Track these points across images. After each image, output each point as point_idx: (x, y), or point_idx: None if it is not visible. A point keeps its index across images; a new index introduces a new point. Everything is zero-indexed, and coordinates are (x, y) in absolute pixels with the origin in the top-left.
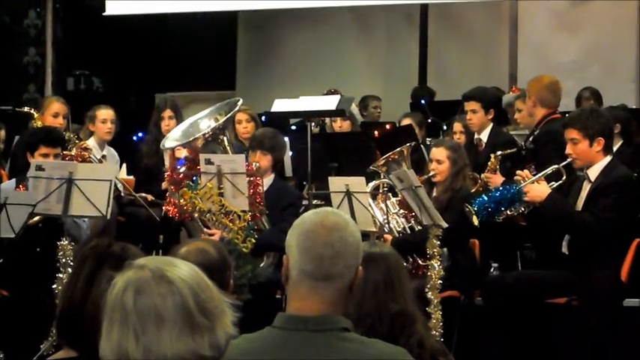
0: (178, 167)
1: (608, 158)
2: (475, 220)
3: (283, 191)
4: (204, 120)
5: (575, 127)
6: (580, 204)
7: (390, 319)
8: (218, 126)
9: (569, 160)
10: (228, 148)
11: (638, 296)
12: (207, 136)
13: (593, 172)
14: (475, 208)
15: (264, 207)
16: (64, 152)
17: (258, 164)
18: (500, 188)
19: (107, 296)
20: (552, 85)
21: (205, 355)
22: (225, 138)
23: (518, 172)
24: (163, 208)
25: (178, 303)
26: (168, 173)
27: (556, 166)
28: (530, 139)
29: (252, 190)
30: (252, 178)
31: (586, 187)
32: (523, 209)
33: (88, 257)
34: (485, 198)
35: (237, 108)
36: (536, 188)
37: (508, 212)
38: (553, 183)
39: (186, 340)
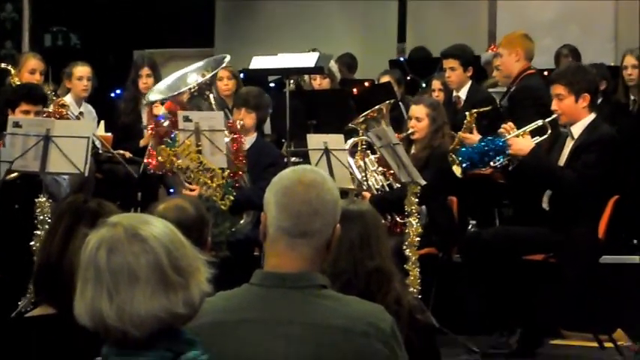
0: (162, 121)
1: (592, 116)
2: (458, 171)
3: (265, 150)
4: (191, 75)
5: (561, 82)
6: (562, 160)
7: (366, 276)
8: (205, 81)
9: (553, 116)
10: (213, 104)
11: (615, 253)
12: (192, 90)
13: (577, 129)
14: (459, 158)
15: (246, 165)
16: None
17: (242, 122)
18: (485, 140)
19: (81, 254)
20: (527, 36)
21: (179, 313)
22: (211, 94)
23: (503, 125)
24: (143, 163)
25: (151, 261)
26: (151, 126)
27: (541, 121)
28: (506, 96)
29: (234, 148)
30: (235, 136)
31: (569, 144)
32: (507, 162)
33: (64, 213)
34: (470, 149)
35: (224, 64)
36: (520, 142)
37: (491, 164)
38: (537, 138)
39: (160, 298)
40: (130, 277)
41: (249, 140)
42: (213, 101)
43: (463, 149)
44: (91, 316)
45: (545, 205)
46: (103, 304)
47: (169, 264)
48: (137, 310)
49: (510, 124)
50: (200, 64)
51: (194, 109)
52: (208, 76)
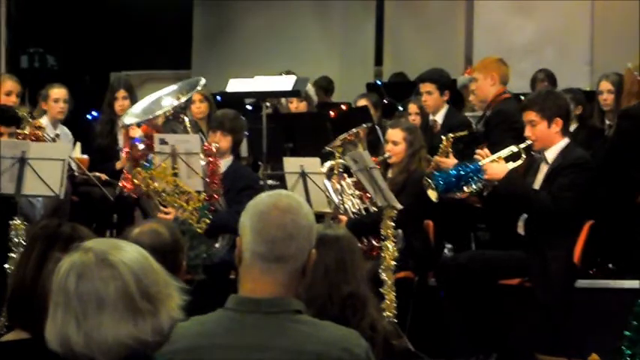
0: (137, 143)
1: (566, 140)
2: (433, 195)
3: (241, 173)
4: (166, 98)
5: (533, 108)
6: (537, 185)
7: (341, 301)
8: (180, 105)
9: (527, 142)
10: (188, 127)
11: (590, 277)
12: (168, 114)
13: (551, 154)
14: (434, 183)
15: (222, 188)
16: (17, 131)
17: (217, 145)
18: (460, 165)
19: (53, 279)
20: (502, 60)
21: (147, 340)
22: (186, 117)
23: (477, 150)
24: (119, 186)
25: (120, 287)
26: (126, 150)
27: (515, 147)
28: (482, 121)
29: (210, 171)
30: (210, 159)
31: (543, 169)
32: (482, 187)
33: (37, 238)
34: (445, 174)
35: (198, 87)
36: (495, 167)
37: (466, 189)
38: (511, 163)
39: (128, 324)
40: (97, 303)
41: (224, 163)
42: (188, 124)
43: (437, 174)
44: (59, 342)
45: (520, 230)
46: (70, 330)
47: (138, 291)
48: (104, 336)
49: (486, 150)
50: (174, 87)
51: (169, 132)
52: (183, 99)
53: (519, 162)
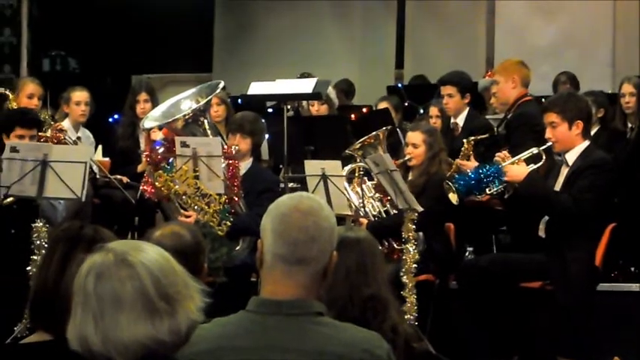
0: (157, 147)
1: (587, 143)
2: (454, 198)
3: (260, 176)
4: (185, 101)
5: (553, 110)
6: (558, 188)
7: (361, 303)
8: (199, 108)
9: (548, 144)
10: (208, 130)
11: (611, 281)
12: (187, 117)
13: (571, 156)
14: (455, 185)
15: (241, 191)
16: (39, 134)
17: (237, 147)
18: (481, 167)
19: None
20: (522, 62)
21: (164, 340)
22: (205, 120)
23: (497, 153)
24: (140, 189)
25: (137, 287)
26: (146, 154)
27: (535, 149)
28: (503, 123)
29: (230, 174)
30: (230, 162)
31: (564, 172)
32: (502, 189)
33: (60, 240)
34: (466, 176)
35: (218, 90)
36: (515, 169)
37: (487, 190)
38: (532, 165)
39: (145, 324)
40: (115, 303)
41: (244, 166)
42: (207, 127)
43: (458, 176)
44: (79, 342)
45: (541, 232)
46: (88, 329)
47: (155, 291)
48: (120, 336)
49: (505, 152)
50: (194, 90)
51: (189, 135)
52: (202, 102)
53: (540, 164)
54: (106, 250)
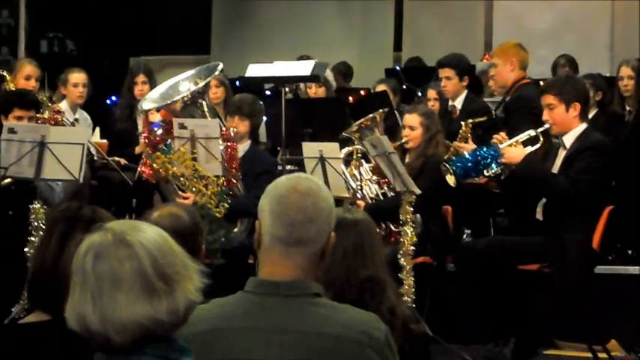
0: (155, 129)
1: (584, 125)
2: (451, 180)
3: (258, 158)
4: (183, 83)
5: (551, 92)
6: (555, 171)
7: (359, 284)
8: (197, 90)
9: (545, 126)
10: (206, 112)
11: (609, 264)
12: (185, 99)
13: (569, 139)
14: (452, 168)
15: (239, 173)
16: (37, 115)
17: (235, 129)
18: (478, 149)
19: (74, 259)
20: (521, 45)
21: (162, 320)
22: (204, 102)
23: (495, 135)
24: (138, 170)
25: (135, 267)
26: (144, 135)
27: (533, 131)
28: (501, 106)
29: (228, 156)
30: (228, 144)
31: (561, 154)
32: (500, 171)
33: (58, 220)
34: (463, 158)
35: (216, 72)
36: (513, 151)
37: (485, 172)
38: (529, 147)
39: (143, 304)
40: (113, 282)
41: (242, 148)
42: (206, 109)
43: (455, 158)
44: (76, 321)
45: (539, 215)
46: (86, 308)
47: (154, 271)
48: (119, 316)
49: (503, 134)
50: (192, 72)
51: (187, 117)
52: (201, 84)
53: (537, 146)
54: (104, 230)
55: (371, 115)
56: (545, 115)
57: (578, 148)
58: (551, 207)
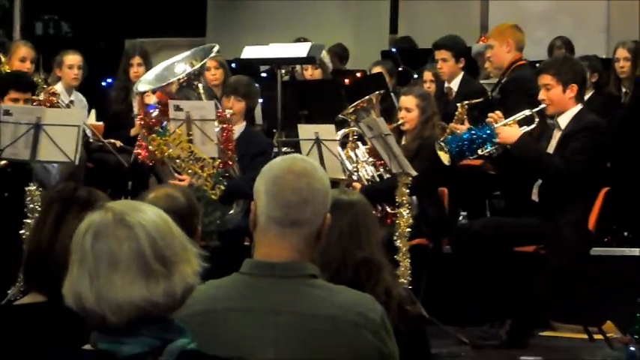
0: (151, 111)
1: (579, 106)
2: (445, 158)
3: (254, 139)
4: (179, 64)
5: (549, 72)
6: (550, 152)
7: (355, 266)
8: (193, 71)
9: (541, 106)
10: (202, 94)
11: (604, 245)
12: (181, 81)
13: (564, 120)
14: (447, 147)
15: (235, 155)
16: (33, 97)
17: (231, 111)
18: (473, 128)
19: (74, 237)
20: (517, 26)
21: (158, 302)
22: (200, 84)
23: (490, 114)
24: (134, 152)
25: (134, 248)
26: (140, 117)
27: (528, 111)
28: (497, 87)
29: (224, 138)
30: (224, 125)
31: (556, 135)
32: (494, 150)
33: (54, 201)
34: (458, 137)
35: (212, 54)
36: (508, 130)
37: (479, 152)
38: (524, 127)
39: (140, 285)
40: (110, 262)
41: (237, 129)
42: (202, 91)
43: (450, 137)
44: (73, 298)
45: (534, 197)
46: (83, 286)
47: (152, 253)
48: (114, 296)
49: (498, 112)
50: (188, 53)
51: (183, 99)
52: (197, 66)
53: (533, 126)
54: (105, 209)
55: (367, 97)
56: (542, 95)
57: (574, 129)
58: (547, 188)
